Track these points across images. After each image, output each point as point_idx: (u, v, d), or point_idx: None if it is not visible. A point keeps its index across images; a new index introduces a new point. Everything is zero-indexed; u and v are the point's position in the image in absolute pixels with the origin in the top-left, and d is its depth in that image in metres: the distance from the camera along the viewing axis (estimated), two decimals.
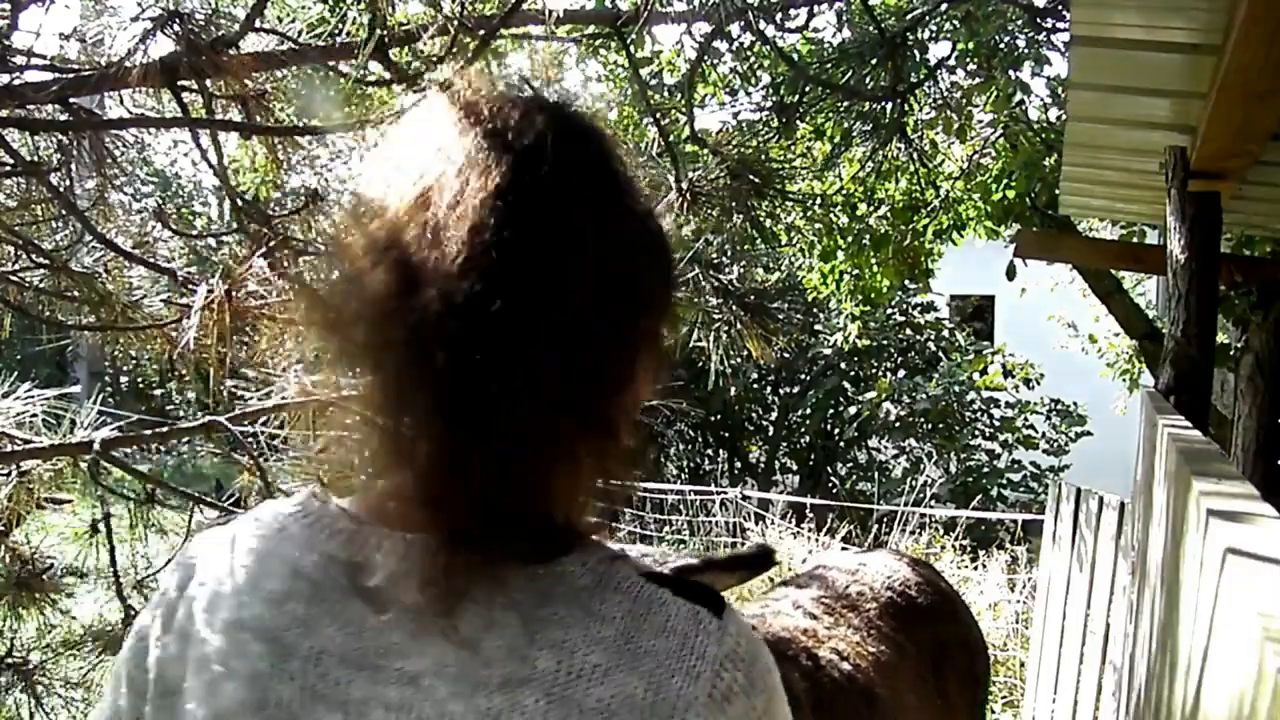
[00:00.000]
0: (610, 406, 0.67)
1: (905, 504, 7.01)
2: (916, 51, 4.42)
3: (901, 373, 10.37)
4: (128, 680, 0.71)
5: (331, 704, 0.64)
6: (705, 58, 4.58)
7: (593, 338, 0.65)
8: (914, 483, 7.79)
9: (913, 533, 6.72)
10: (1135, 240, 5.94)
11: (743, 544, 7.74)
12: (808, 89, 4.43)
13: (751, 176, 2.84)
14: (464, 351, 0.61)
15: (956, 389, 9.42)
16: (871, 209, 6.16)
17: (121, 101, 2.32)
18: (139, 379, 14.04)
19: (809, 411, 10.79)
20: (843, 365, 10.52)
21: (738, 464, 11.68)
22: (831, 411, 10.88)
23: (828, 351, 10.29)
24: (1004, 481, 9.28)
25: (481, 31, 2.44)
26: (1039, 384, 9.51)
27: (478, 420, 0.62)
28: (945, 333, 10.73)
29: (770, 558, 0.98)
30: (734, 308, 2.79)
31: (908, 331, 10.59)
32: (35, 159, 2.19)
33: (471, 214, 0.63)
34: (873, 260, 6.12)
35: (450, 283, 0.62)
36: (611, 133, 0.73)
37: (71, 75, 2.05)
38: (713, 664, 0.64)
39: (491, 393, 0.62)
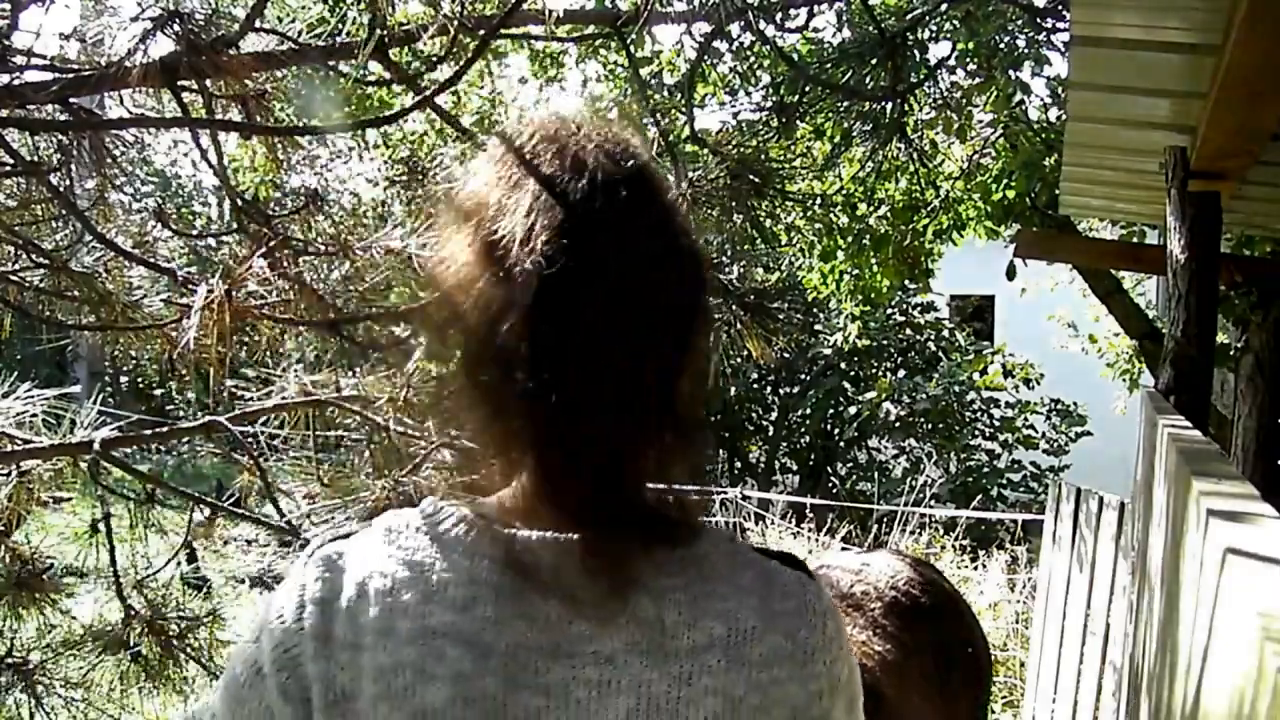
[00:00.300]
0: (676, 399, 0.79)
1: (905, 504, 7.01)
2: (916, 51, 4.42)
3: (901, 373, 10.37)
4: (279, 691, 0.75)
5: (534, 690, 0.73)
6: (705, 58, 4.58)
7: (651, 341, 0.77)
8: (914, 483, 7.79)
9: (913, 533, 6.72)
10: (1135, 240, 5.95)
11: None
12: (808, 89, 4.43)
13: (751, 176, 2.84)
14: (548, 366, 0.74)
15: (956, 389, 9.43)
16: (871, 209, 6.16)
17: (121, 101, 2.32)
18: (139, 379, 14.04)
19: (809, 411, 10.79)
20: (843, 365, 10.52)
21: (738, 464, 11.68)
22: (831, 411, 10.88)
23: (828, 351, 10.29)
24: (1004, 481, 9.28)
25: (481, 31, 2.43)
26: (1039, 384, 9.50)
27: (574, 424, 0.75)
28: (945, 333, 10.73)
29: None
30: (734, 308, 2.79)
31: (908, 331, 10.59)
32: (35, 159, 2.19)
33: (539, 249, 0.75)
34: (873, 260, 6.12)
35: (525, 309, 0.74)
36: (652, 158, 0.85)
37: (71, 75, 2.05)
38: (821, 616, 0.81)
39: (581, 397, 0.75)
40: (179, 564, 2.77)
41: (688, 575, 0.78)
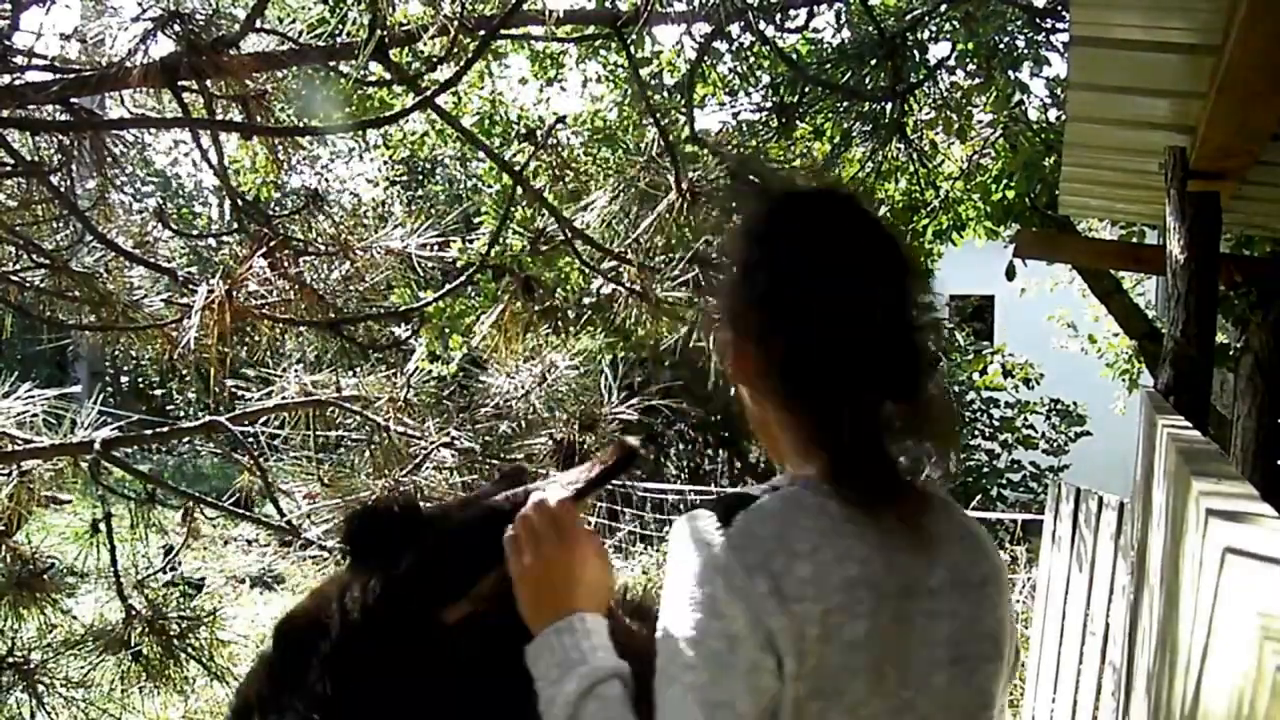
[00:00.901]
0: (930, 392, 1.03)
1: None
2: (916, 52, 4.41)
3: None
4: (759, 647, 0.90)
5: (900, 621, 0.96)
6: (705, 58, 4.58)
7: (915, 348, 1.02)
8: None
9: None
10: (1135, 240, 5.94)
11: None
12: (807, 89, 4.43)
13: (751, 177, 2.83)
14: (844, 375, 0.98)
15: (956, 389, 9.42)
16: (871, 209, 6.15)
17: (122, 102, 2.32)
18: (139, 379, 14.04)
19: None
20: None
21: (738, 464, 11.68)
22: None
23: None
24: (1004, 481, 9.28)
25: (481, 31, 2.44)
26: (1039, 384, 9.49)
27: (864, 417, 0.98)
28: (945, 333, 10.70)
29: (632, 454, 1.16)
30: None
31: None
32: (36, 159, 2.19)
33: (834, 293, 1.00)
34: None
35: (828, 334, 0.99)
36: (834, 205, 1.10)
37: (72, 75, 2.05)
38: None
39: (868, 398, 0.99)
40: (175, 565, 2.77)
41: (957, 526, 1.05)
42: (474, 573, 1.11)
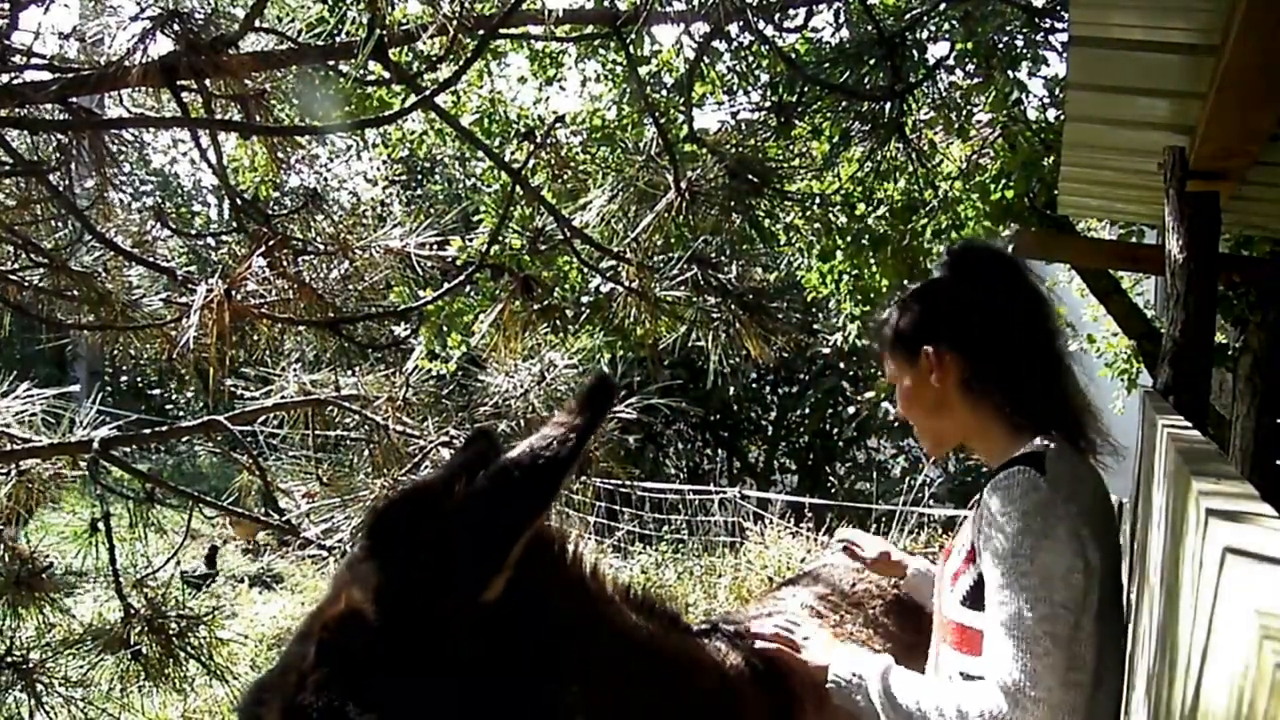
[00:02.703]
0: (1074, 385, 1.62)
1: (904, 503, 7.02)
2: (915, 51, 4.42)
3: None
4: (1073, 552, 1.33)
5: (1112, 532, 1.42)
6: (704, 57, 4.58)
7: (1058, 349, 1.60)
8: (913, 482, 7.79)
9: (911, 532, 6.73)
10: (1134, 240, 5.95)
11: (741, 543, 7.73)
12: (806, 89, 4.43)
13: (750, 176, 2.84)
14: (1039, 376, 1.53)
15: None
16: (870, 209, 6.16)
17: (121, 101, 2.32)
18: (138, 379, 14.04)
19: (808, 411, 10.78)
20: (841, 365, 10.52)
21: (737, 464, 11.68)
22: (830, 411, 10.88)
23: (827, 351, 10.30)
24: None
25: (481, 31, 2.44)
26: None
27: (1062, 401, 1.52)
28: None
29: (608, 386, 1.22)
30: (733, 307, 2.79)
31: None
32: (35, 159, 2.19)
33: (1025, 325, 1.56)
34: (872, 260, 6.12)
35: (1032, 345, 1.55)
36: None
37: (71, 75, 2.05)
38: None
39: (1057, 391, 1.53)
40: (177, 563, 2.77)
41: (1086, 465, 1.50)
42: (501, 543, 1.11)
